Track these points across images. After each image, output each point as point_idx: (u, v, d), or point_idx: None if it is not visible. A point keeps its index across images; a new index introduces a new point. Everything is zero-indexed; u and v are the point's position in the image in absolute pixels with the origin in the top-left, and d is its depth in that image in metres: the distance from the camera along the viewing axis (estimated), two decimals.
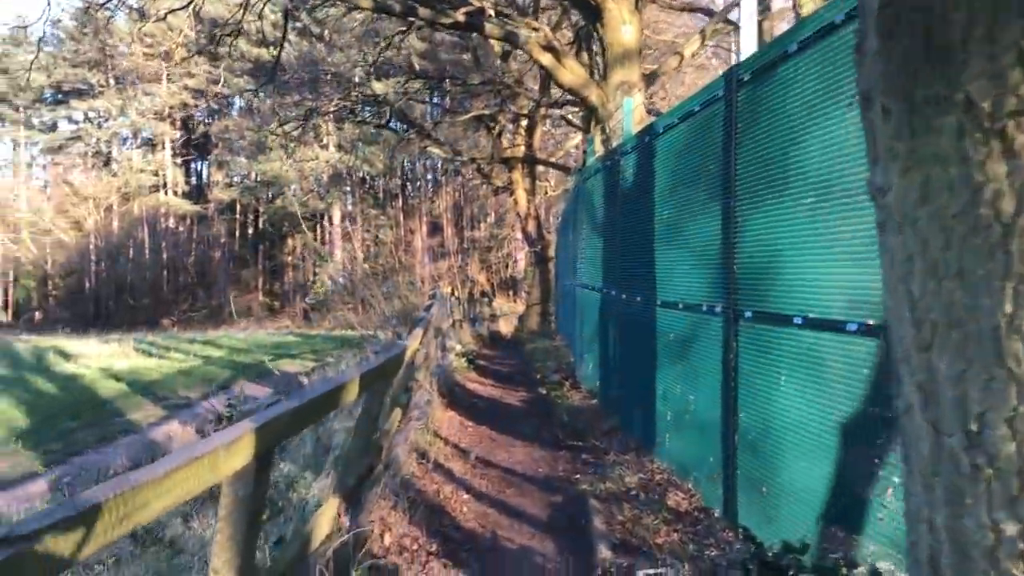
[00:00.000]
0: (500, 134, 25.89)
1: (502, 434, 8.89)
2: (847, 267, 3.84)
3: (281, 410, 2.40)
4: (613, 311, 8.50)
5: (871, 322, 3.65)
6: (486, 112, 22.80)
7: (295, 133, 22.30)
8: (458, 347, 14.71)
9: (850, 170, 3.80)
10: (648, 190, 7.06)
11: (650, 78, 12.59)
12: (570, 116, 24.89)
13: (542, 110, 23.14)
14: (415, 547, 5.18)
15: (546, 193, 32.31)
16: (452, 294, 16.23)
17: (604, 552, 5.05)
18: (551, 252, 27.25)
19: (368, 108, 23.10)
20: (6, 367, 20.20)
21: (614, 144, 10.52)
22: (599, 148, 11.38)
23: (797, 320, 4.29)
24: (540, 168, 30.09)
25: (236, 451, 2.03)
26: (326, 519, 3.47)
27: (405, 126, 25.37)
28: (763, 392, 4.69)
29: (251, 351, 26.43)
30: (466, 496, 6.42)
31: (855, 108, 3.82)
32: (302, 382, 12.56)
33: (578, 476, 6.96)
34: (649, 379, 7.01)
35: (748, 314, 4.89)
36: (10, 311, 69.37)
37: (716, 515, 5.44)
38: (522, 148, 26.43)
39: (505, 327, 33.10)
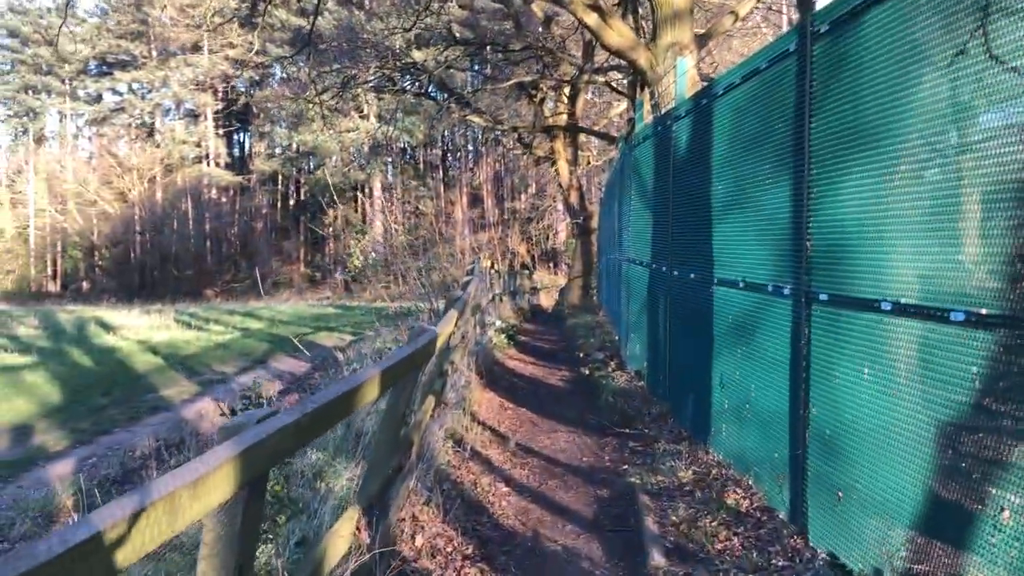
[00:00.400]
0: (542, 102, 25.20)
1: (544, 417, 8.42)
2: (951, 246, 3.26)
3: (278, 425, 1.94)
4: (663, 289, 7.95)
5: (984, 311, 3.08)
6: (528, 79, 22.11)
7: (332, 102, 21.82)
8: (498, 323, 14.25)
9: (959, 130, 3.21)
10: (704, 158, 6.47)
11: (701, 40, 11.87)
12: (614, 83, 24.06)
13: (585, 77, 22.40)
14: (449, 549, 4.74)
15: (588, 163, 31.58)
16: (492, 267, 15.74)
17: (657, 558, 4.56)
18: (594, 224, 26.61)
19: (408, 76, 22.53)
20: (47, 339, 20.22)
21: (664, 110, 9.90)
22: (647, 114, 10.75)
23: (885, 306, 3.73)
24: (582, 138, 29.36)
25: (207, 490, 1.57)
26: (342, 537, 3.03)
27: (445, 95, 24.77)
28: (842, 386, 4.13)
29: (290, 323, 26.27)
30: (505, 489, 5.97)
31: (962, 59, 3.22)
32: (337, 358, 12.22)
33: (626, 467, 6.47)
34: (704, 364, 6.46)
35: (823, 296, 4.32)
36: (58, 281, 70.57)
37: (781, 518, 4.91)
38: (564, 116, 25.72)
39: (546, 300, 32.59)
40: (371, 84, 21.79)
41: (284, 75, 70.32)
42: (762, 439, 5.26)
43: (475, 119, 25.61)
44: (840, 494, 4.13)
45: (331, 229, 72.20)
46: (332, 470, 5.60)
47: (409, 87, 22.75)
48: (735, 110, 5.83)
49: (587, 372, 10.57)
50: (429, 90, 22.92)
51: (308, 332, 22.12)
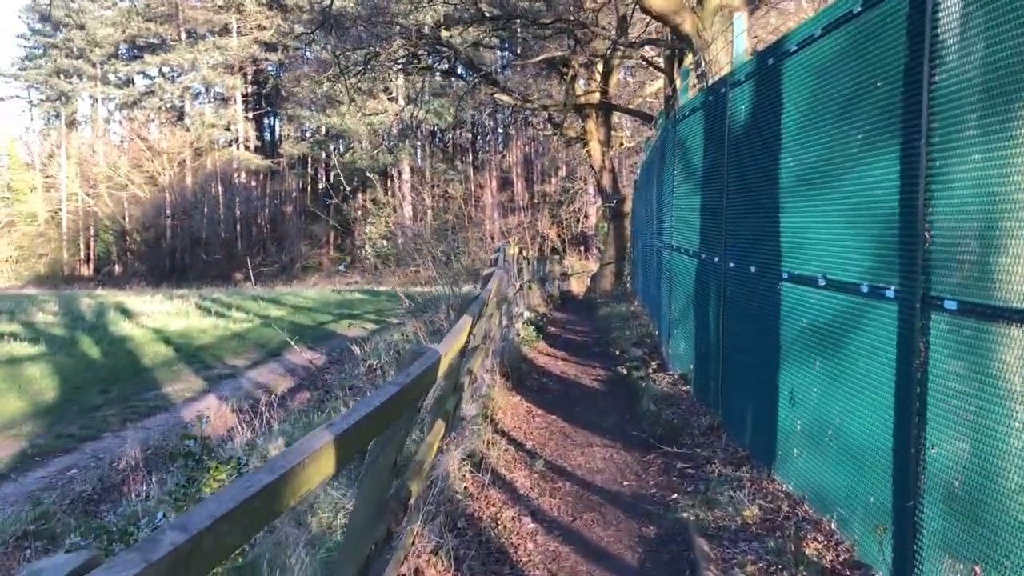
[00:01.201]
0: (573, 81, 24.04)
1: (577, 427, 7.44)
2: None
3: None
4: (715, 282, 6.91)
5: None
6: (559, 54, 20.96)
7: (355, 80, 20.87)
8: (526, 314, 13.27)
9: None
10: (770, 128, 5.41)
11: (752, 4, 10.74)
12: (650, 58, 22.80)
13: (619, 52, 21.22)
14: None
15: (621, 144, 30.34)
16: (520, 253, 14.75)
17: None
18: (627, 208, 25.47)
19: (434, 55, 21.49)
20: (63, 326, 19.61)
21: (712, 79, 8.80)
22: (693, 86, 9.67)
23: None
24: (615, 119, 28.16)
25: None
26: None
27: (472, 74, 23.72)
28: (982, 427, 3.09)
29: (313, 310, 25.53)
30: (532, 525, 4.99)
31: None
32: (354, 351, 11.36)
33: (675, 495, 5.46)
34: (768, 374, 5.43)
35: (950, 304, 3.27)
36: (91, 265, 70.82)
37: None
38: (597, 95, 24.55)
39: (577, 286, 31.54)
40: (396, 63, 20.77)
41: (313, 57, 69.54)
42: (852, 476, 4.23)
43: (503, 98, 24.51)
44: (977, 569, 3.10)
45: (360, 213, 71.63)
46: (322, 503, 4.66)
47: (436, 65, 21.70)
48: (814, 68, 4.75)
49: (624, 372, 9.55)
50: (455, 68, 21.84)
51: (330, 320, 21.33)
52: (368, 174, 65.44)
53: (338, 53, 21.33)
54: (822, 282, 4.59)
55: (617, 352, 11.16)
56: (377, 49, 18.61)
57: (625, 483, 5.85)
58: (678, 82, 19.68)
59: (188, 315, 23.04)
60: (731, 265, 6.42)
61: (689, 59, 20.17)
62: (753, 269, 5.81)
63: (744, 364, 6.15)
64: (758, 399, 5.76)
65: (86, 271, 69.57)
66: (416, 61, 20.04)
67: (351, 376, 11.29)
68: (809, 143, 4.81)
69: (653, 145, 13.10)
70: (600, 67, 24.53)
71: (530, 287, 18.94)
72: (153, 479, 6.38)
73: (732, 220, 6.42)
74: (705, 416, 7.03)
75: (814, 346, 4.73)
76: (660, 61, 21.45)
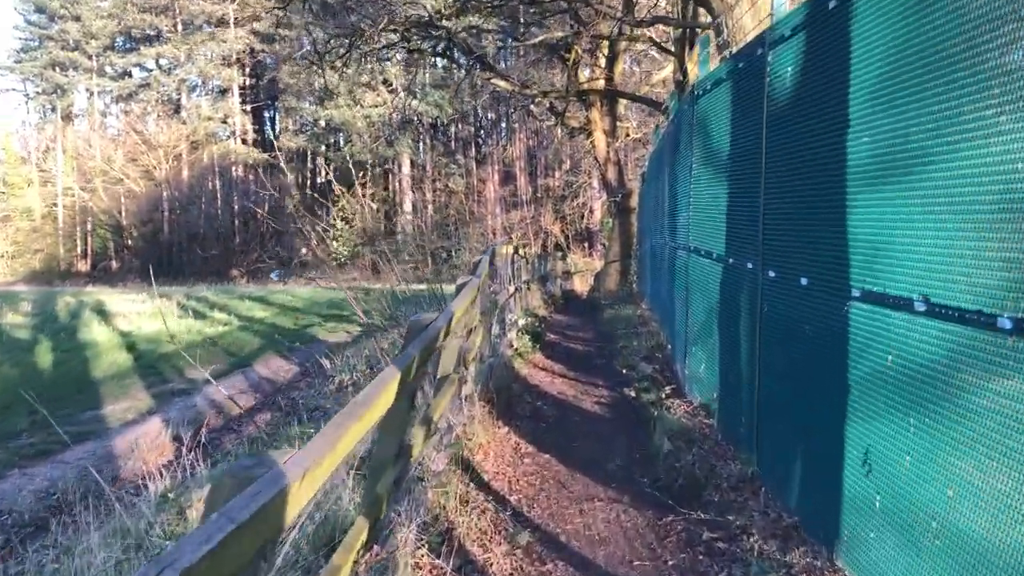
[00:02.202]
0: (576, 67, 22.56)
1: (575, 471, 6.03)
2: None
3: None
4: (748, 294, 5.51)
5: None
6: (560, 35, 19.47)
7: (338, 64, 19.41)
8: (521, 321, 11.86)
9: None
10: (834, 96, 3.99)
11: None
12: (659, 40, 21.27)
13: (625, 34, 19.73)
14: None
15: (627, 136, 28.89)
16: (516, 253, 13.36)
17: None
18: (633, 202, 24.04)
19: (427, 38, 20.02)
20: (27, 329, 18.30)
21: (736, 48, 7.38)
22: (714, 57, 8.24)
23: None
24: (620, 110, 26.67)
25: None
26: None
27: (467, 58, 22.23)
28: None
29: (300, 311, 24.19)
30: None
31: None
32: (324, 365, 10.02)
33: None
34: (828, 422, 4.04)
35: None
36: (89, 260, 69.86)
37: None
38: (601, 82, 23.10)
39: (580, 285, 30.12)
40: (385, 47, 19.27)
41: (311, 49, 67.97)
42: None
43: (500, 83, 23.03)
44: None
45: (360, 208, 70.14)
46: None
47: (427, 48, 20.25)
48: (904, 10, 3.34)
49: (632, 394, 8.14)
50: (449, 51, 20.35)
51: (314, 323, 20.00)
52: (368, 167, 64.08)
53: (314, 34, 19.88)
54: (921, 306, 3.18)
55: (623, 368, 9.75)
56: (362, 26, 17.15)
57: (636, 562, 4.45)
58: (691, 58, 18.23)
59: (167, 316, 21.66)
60: (771, 274, 5.01)
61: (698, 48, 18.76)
62: (805, 282, 4.40)
63: (790, 402, 4.74)
64: (812, 452, 4.36)
65: (84, 267, 68.51)
66: (406, 43, 18.58)
67: (319, 393, 9.96)
68: (899, 111, 3.39)
69: (664, 132, 11.67)
70: (604, 51, 23.08)
71: (529, 288, 17.55)
72: (31, 549, 5.00)
73: (773, 217, 5.01)
74: (735, 462, 5.62)
75: (907, 395, 3.32)
76: (669, 45, 19.98)
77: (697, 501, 5.17)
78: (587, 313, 19.04)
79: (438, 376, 5.14)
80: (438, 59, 62.66)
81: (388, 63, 58.41)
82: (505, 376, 8.42)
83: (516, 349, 10.61)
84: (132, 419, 9.85)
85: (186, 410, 9.54)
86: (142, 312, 22.39)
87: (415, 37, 19.67)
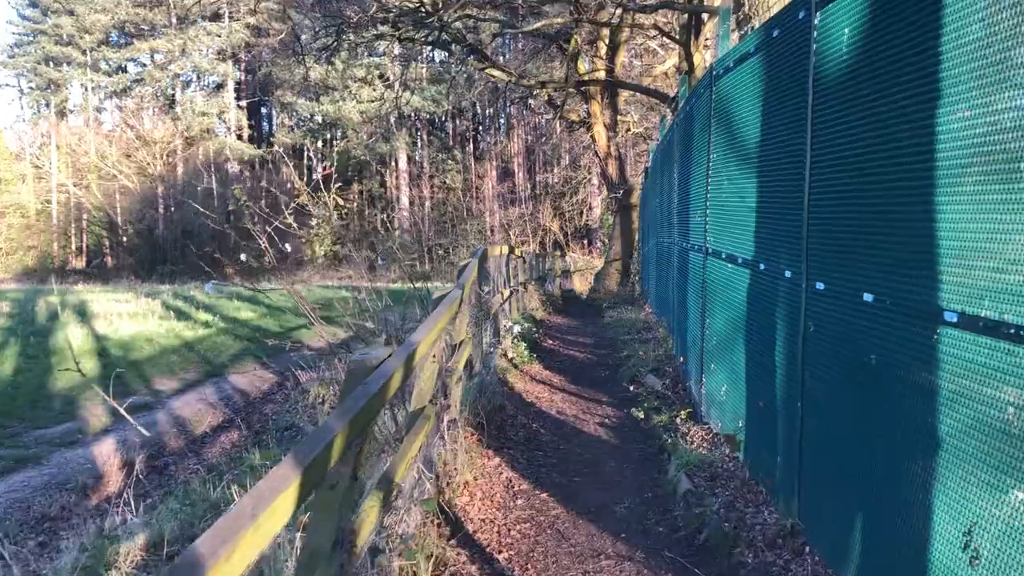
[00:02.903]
0: (576, 57, 21.57)
1: (577, 516, 5.10)
2: None
3: None
4: (786, 309, 4.57)
5: None
6: (558, 21, 18.46)
7: (325, 56, 18.42)
8: (516, 328, 10.91)
9: None
10: (923, 60, 3.06)
11: None
12: (664, 26, 20.27)
13: (627, 20, 18.75)
14: None
15: (628, 130, 27.93)
16: (511, 253, 12.44)
17: None
18: (635, 199, 23.12)
19: (419, 26, 19.03)
20: (1, 332, 17.33)
21: (758, 21, 6.44)
22: (733, 32, 7.29)
23: None
24: (621, 104, 25.69)
25: None
26: None
27: (461, 46, 21.21)
28: None
29: (289, 312, 23.23)
30: None
31: None
32: (299, 379, 9.12)
33: None
34: (913, 482, 3.11)
35: None
36: (84, 257, 69.17)
37: None
38: (602, 73, 22.14)
39: (579, 284, 29.19)
40: (373, 36, 18.26)
41: (309, 42, 66.86)
42: None
43: (496, 73, 22.04)
44: None
45: (356, 204, 69.23)
46: None
47: (419, 37, 19.26)
48: None
49: (640, 415, 7.20)
50: (444, 42, 19.34)
51: (301, 325, 19.08)
52: (365, 163, 63.22)
53: (296, 21, 18.91)
54: None
55: (629, 382, 8.82)
56: (349, 14, 16.17)
57: None
58: (697, 46, 17.31)
59: (149, 317, 20.74)
60: (819, 286, 4.06)
61: (709, 28, 17.82)
62: (869, 298, 3.46)
63: (848, 445, 3.80)
64: (882, 512, 3.43)
65: (80, 264, 67.66)
66: (395, 31, 17.58)
67: (293, 409, 9.05)
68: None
69: (672, 122, 10.71)
70: (605, 40, 22.13)
71: (526, 289, 16.63)
72: None
73: (822, 216, 4.06)
74: (769, 509, 4.69)
75: None
76: (675, 33, 19.01)
77: (726, 561, 4.24)
78: (587, 315, 18.11)
79: (411, 408, 4.22)
80: (434, 52, 61.77)
81: (384, 57, 57.51)
82: (498, 394, 7.48)
83: (511, 359, 9.68)
84: (82, 439, 8.88)
85: (147, 426, 8.60)
86: (124, 313, 21.42)
87: (406, 26, 18.70)
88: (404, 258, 55.88)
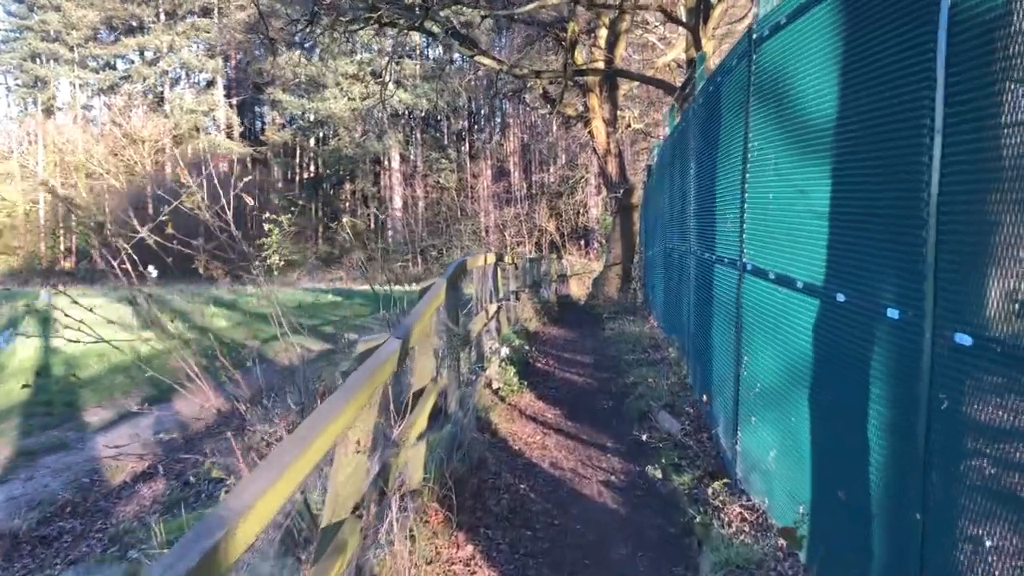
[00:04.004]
0: (573, 47, 20.00)
1: None
2: None
3: None
4: (896, 367, 3.05)
5: None
6: (552, 1, 16.85)
7: (299, 39, 16.89)
8: (505, 350, 9.38)
9: None
10: None
11: None
12: (669, 8, 18.68)
13: (629, 3, 17.18)
14: None
15: (628, 126, 26.41)
16: (500, 262, 10.92)
17: None
18: (636, 199, 21.60)
19: (403, 11, 17.50)
20: None
21: None
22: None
23: None
24: (621, 100, 24.13)
25: None
26: None
27: (446, 31, 19.61)
28: None
29: (266, 318, 21.71)
30: None
31: None
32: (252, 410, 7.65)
33: None
34: None
35: None
36: (73, 258, 68.00)
37: None
38: (601, 64, 20.60)
39: (577, 289, 27.65)
40: (350, 20, 16.69)
41: (299, 40, 65.23)
42: None
43: (485, 61, 20.48)
44: None
45: (348, 204, 67.65)
46: None
47: (403, 23, 17.71)
48: None
49: (657, 474, 5.66)
50: (423, 22, 17.77)
51: (272, 336, 17.56)
52: (357, 162, 61.78)
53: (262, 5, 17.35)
54: None
55: (638, 421, 7.30)
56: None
57: None
58: (706, 33, 15.81)
59: (112, 326, 19.18)
60: (961, 340, 2.55)
61: (717, 12, 16.31)
62: None
63: None
64: None
65: (69, 265, 66.23)
66: (372, 13, 15.97)
67: (232, 449, 7.55)
68: None
69: (687, 110, 9.17)
70: (605, 23, 20.59)
71: (518, 298, 15.11)
72: None
73: (961, 226, 2.55)
74: None
75: None
76: (681, 16, 17.47)
77: None
78: (586, 325, 16.59)
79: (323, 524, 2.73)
80: (429, 48, 60.20)
81: (377, 53, 55.96)
82: (477, 444, 5.95)
83: (497, 390, 8.14)
84: None
85: (55, 474, 7.11)
86: (91, 320, 19.89)
87: (388, 11, 17.15)
88: (383, 265, 54.31)
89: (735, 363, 5.39)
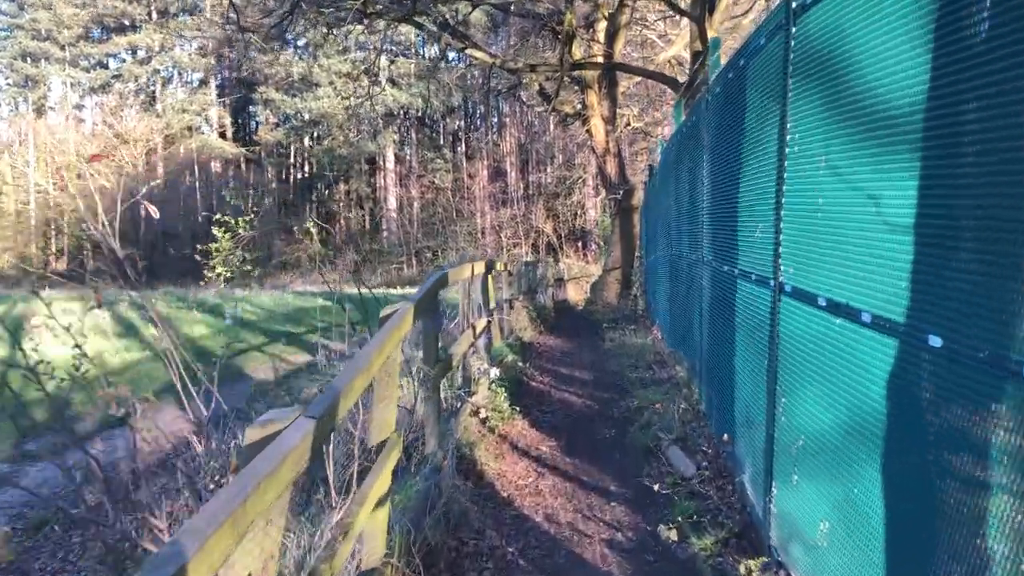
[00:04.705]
0: (571, 40, 19.05)
1: None
2: None
3: None
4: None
5: None
6: None
7: (275, 31, 15.98)
8: (495, 370, 8.42)
9: None
10: None
11: None
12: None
13: None
14: None
15: (628, 125, 25.47)
16: (491, 269, 9.98)
17: None
18: (636, 200, 20.67)
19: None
20: None
21: None
22: None
23: None
24: (620, 98, 23.17)
25: None
26: None
27: (433, 19, 18.60)
28: None
29: (249, 326, 20.80)
30: None
31: None
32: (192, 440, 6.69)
33: None
34: None
35: None
36: (65, 260, 67.20)
37: None
38: (600, 58, 19.65)
39: (574, 294, 26.70)
40: (331, 7, 15.72)
41: (292, 39, 64.16)
42: None
43: (477, 54, 19.53)
44: None
45: (342, 205, 66.66)
46: None
47: (389, 15, 16.72)
48: None
49: (671, 535, 4.71)
50: (411, 14, 16.78)
51: (256, 345, 16.66)
52: (351, 162, 60.85)
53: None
54: None
55: (645, 456, 6.35)
56: None
57: None
58: (712, 24, 14.86)
59: (88, 334, 18.24)
60: None
61: (724, 2, 15.36)
62: None
63: None
64: None
65: (62, 266, 65.34)
66: (357, 1, 14.98)
67: (171, 491, 6.61)
68: None
69: (699, 101, 8.22)
70: (604, 15, 19.64)
71: (511, 307, 14.17)
72: None
73: None
74: None
75: None
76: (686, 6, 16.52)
77: None
78: (584, 335, 15.64)
79: None
80: (425, 47, 59.13)
81: (371, 51, 54.85)
82: (458, 494, 4.99)
83: (485, 419, 7.18)
84: None
85: None
86: (57, 328, 18.93)
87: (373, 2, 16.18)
88: (396, 259, 53.45)
89: (768, 402, 4.44)
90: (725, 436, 5.55)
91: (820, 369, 3.63)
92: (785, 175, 4.19)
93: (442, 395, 6.53)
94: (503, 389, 8.18)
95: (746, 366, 5.02)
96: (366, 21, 17.23)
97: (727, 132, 6.00)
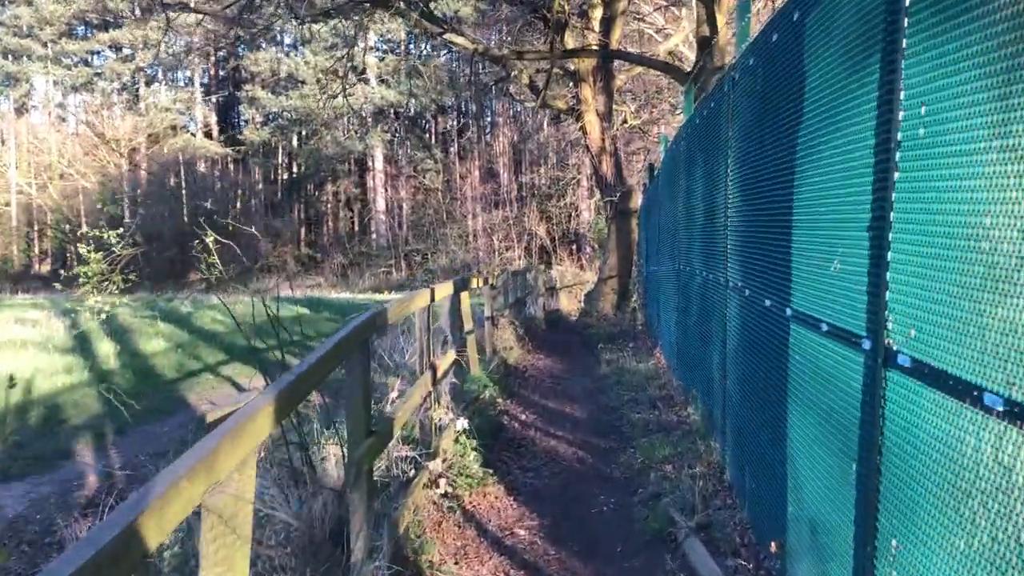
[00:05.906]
0: (563, 28, 17.41)
1: None
2: None
3: None
4: None
5: None
6: None
7: (240, 12, 14.29)
8: (462, 421, 6.73)
9: None
10: None
11: None
12: None
13: None
14: None
15: (625, 122, 23.84)
16: (465, 288, 8.36)
17: None
18: (634, 203, 19.08)
19: None
20: None
21: None
22: None
23: None
24: (616, 95, 21.53)
25: None
26: None
27: (408, 4, 16.91)
28: None
29: (215, 338, 19.18)
30: None
31: None
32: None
33: None
34: None
35: None
36: (49, 262, 65.92)
37: None
38: (595, 47, 18.02)
39: (567, 303, 25.02)
40: None
41: (278, 37, 62.51)
42: None
43: (457, 40, 17.89)
44: None
45: (329, 206, 64.97)
46: None
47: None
48: None
49: None
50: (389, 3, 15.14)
51: (208, 367, 15.05)
52: (338, 162, 59.23)
53: None
54: None
55: (656, 549, 4.73)
56: None
57: None
58: (720, 7, 13.28)
59: (32, 348, 16.65)
60: None
61: None
62: None
63: None
64: None
65: (46, 268, 63.84)
66: None
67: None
68: None
69: (719, 85, 6.58)
70: (599, 11, 18.04)
71: (495, 324, 12.54)
72: None
73: None
74: None
75: None
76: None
77: None
78: (577, 354, 14.02)
79: None
80: (413, 44, 57.40)
81: (360, 49, 53.18)
82: None
83: (446, 493, 5.53)
84: None
85: None
86: (12, 341, 17.42)
87: None
88: (384, 263, 51.76)
89: (860, 513, 2.81)
90: (773, 546, 3.90)
91: (963, 497, 1.99)
92: (897, 165, 2.55)
93: (387, 463, 4.91)
94: (474, 441, 6.53)
95: (815, 460, 3.38)
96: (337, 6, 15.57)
97: (768, 115, 4.37)
